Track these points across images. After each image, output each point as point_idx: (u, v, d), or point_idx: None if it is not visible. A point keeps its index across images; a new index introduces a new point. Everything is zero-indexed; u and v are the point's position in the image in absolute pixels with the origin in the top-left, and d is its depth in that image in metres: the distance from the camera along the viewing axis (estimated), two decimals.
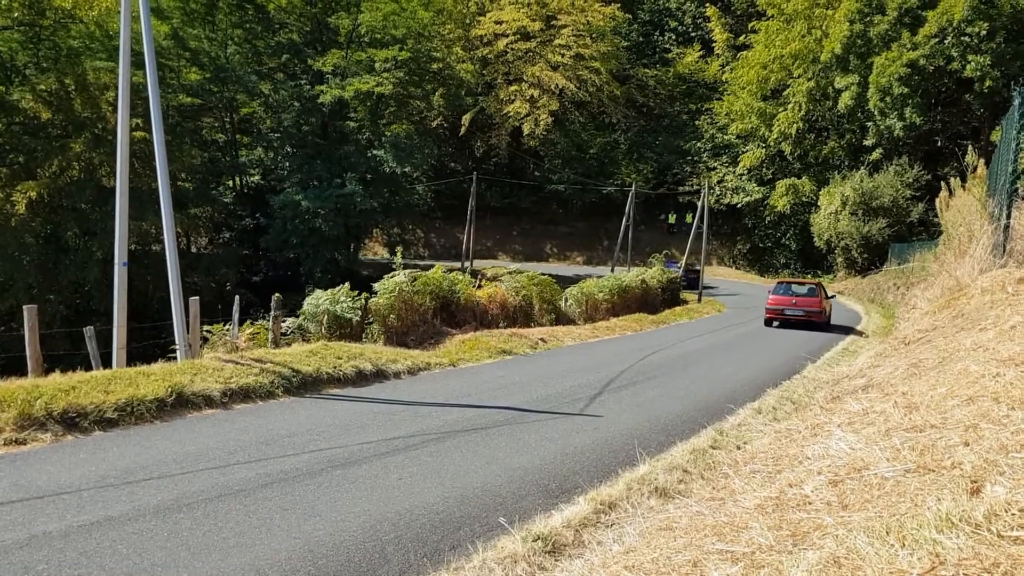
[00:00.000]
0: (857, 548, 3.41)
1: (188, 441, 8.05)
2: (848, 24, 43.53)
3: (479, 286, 21.35)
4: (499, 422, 9.64)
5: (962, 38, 39.01)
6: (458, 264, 47.02)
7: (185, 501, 6.22)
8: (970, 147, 21.64)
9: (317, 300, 15.65)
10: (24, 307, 10.89)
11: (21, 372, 10.44)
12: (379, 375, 12.62)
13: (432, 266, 19.43)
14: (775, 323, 24.61)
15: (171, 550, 5.28)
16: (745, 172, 56.11)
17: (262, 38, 44.31)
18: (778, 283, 27.30)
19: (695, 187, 55.18)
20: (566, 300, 24.56)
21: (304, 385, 11.12)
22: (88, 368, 11.13)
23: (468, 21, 58.92)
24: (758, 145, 54.18)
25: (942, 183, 20.52)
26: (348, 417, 9.62)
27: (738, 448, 8.31)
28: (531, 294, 21.96)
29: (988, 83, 38.56)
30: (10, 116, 31.20)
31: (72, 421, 8.18)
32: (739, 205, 56.62)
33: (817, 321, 23.96)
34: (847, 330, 24.02)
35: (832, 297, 26.82)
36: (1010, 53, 39.13)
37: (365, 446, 8.19)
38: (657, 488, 6.84)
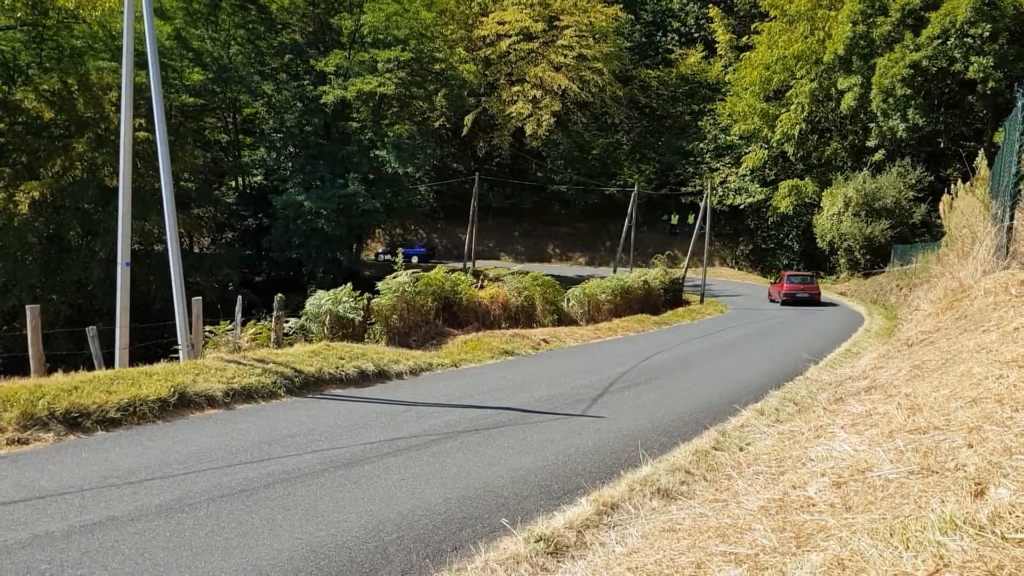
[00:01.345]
0: (861, 550, 3.40)
1: (191, 441, 8.06)
2: (851, 25, 43.44)
3: (481, 286, 21.36)
4: (501, 423, 9.64)
5: (965, 39, 38.92)
6: (460, 264, 47.02)
7: (188, 501, 6.23)
8: (973, 149, 21.61)
9: (319, 300, 15.66)
10: (27, 307, 10.90)
11: (24, 372, 10.45)
12: (381, 375, 12.63)
13: (434, 266, 19.43)
14: (788, 302, 34.95)
15: (174, 550, 5.29)
16: (748, 173, 56.02)
17: (265, 38, 44.31)
18: (788, 275, 37.83)
19: (697, 188, 55.11)
20: (568, 301, 24.55)
21: (306, 385, 11.13)
22: (91, 368, 11.14)
23: (471, 22, 58.87)
24: (761, 146, 54.08)
25: (945, 184, 20.52)
26: (350, 417, 9.62)
27: (741, 449, 8.30)
28: (533, 295, 21.96)
29: (991, 84, 38.49)
30: (13, 116, 31.21)
31: (75, 421, 8.19)
32: (742, 206, 56.53)
33: (815, 299, 35.14)
34: (835, 304, 35.03)
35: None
36: (1013, 55, 39.03)
37: (367, 446, 8.19)
38: (660, 489, 6.84)
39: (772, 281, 40.10)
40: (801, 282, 36.33)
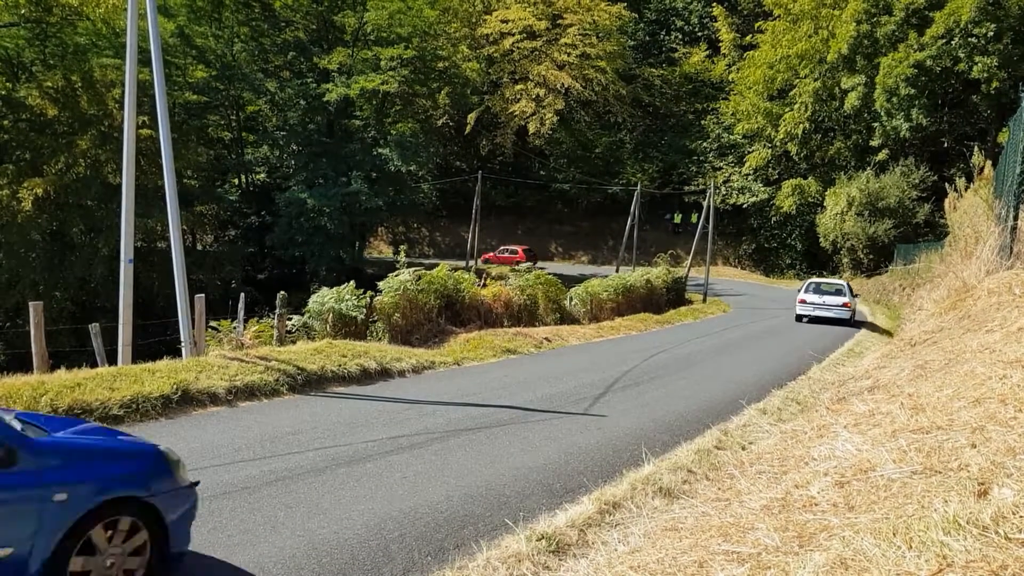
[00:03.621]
0: (864, 550, 3.40)
1: (193, 438, 8.06)
2: (855, 24, 43.38)
3: (484, 285, 21.36)
4: (503, 421, 9.63)
5: (969, 39, 38.86)
6: (463, 263, 47.02)
7: None
8: (977, 148, 21.58)
9: (322, 298, 15.66)
10: (30, 304, 10.91)
11: (27, 368, 10.46)
12: (384, 373, 12.64)
13: (437, 264, 19.43)
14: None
15: None
16: (751, 172, 55.91)
17: (268, 36, 44.32)
18: (502, 247, 50.58)
19: (701, 187, 54.96)
20: (571, 300, 24.53)
21: (309, 383, 11.13)
22: (93, 365, 11.16)
23: (474, 20, 58.81)
24: (764, 145, 54.00)
25: (948, 184, 20.49)
26: (353, 415, 9.63)
27: (743, 449, 8.30)
28: (536, 293, 21.95)
29: (995, 84, 38.44)
30: (17, 113, 31.25)
31: (77, 417, 8.19)
32: (745, 205, 56.41)
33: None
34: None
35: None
36: (1017, 54, 38.98)
37: (370, 444, 8.19)
38: (662, 488, 6.83)
39: (500, 253, 52.66)
40: (511, 254, 51.91)
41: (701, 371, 14.95)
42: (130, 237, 11.99)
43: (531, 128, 56.34)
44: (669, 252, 46.81)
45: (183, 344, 12.06)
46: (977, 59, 38.57)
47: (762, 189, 55.29)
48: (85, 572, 4.25)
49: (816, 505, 4.65)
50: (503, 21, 57.58)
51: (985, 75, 38.42)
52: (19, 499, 4.01)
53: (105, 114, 31.68)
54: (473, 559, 5.32)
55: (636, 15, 63.92)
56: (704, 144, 60.20)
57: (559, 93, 56.28)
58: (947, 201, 19.67)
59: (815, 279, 31.04)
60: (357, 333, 15.61)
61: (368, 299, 16.20)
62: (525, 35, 57.54)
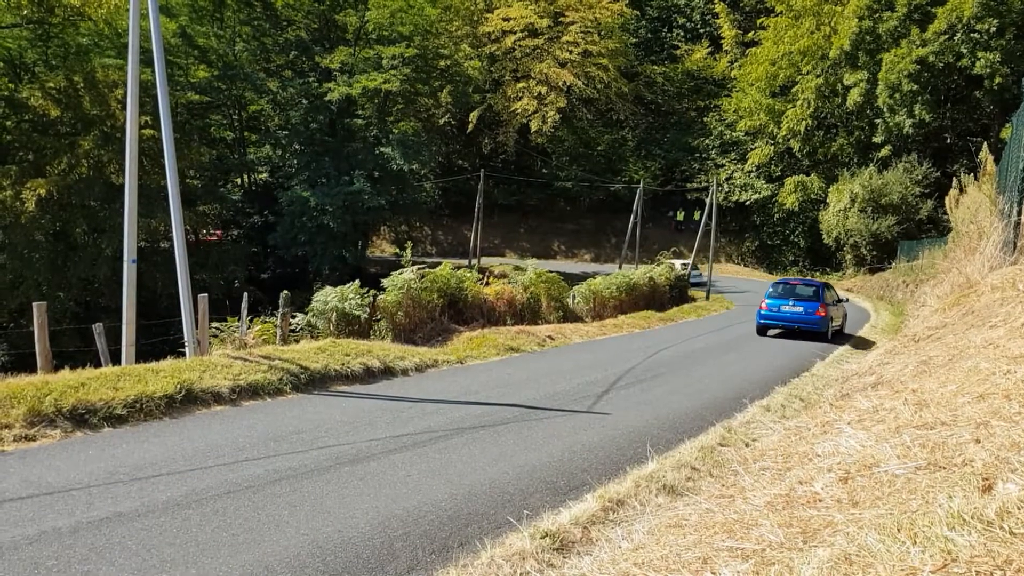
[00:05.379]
0: (868, 545, 3.39)
1: (197, 438, 8.07)
2: (857, 20, 43.36)
3: (486, 283, 21.34)
4: (507, 419, 9.63)
5: (971, 35, 38.84)
6: (466, 261, 47.03)
7: (194, 497, 6.24)
8: (981, 144, 21.55)
9: (326, 297, 15.67)
10: (34, 304, 10.92)
11: (31, 369, 10.48)
12: (387, 372, 12.64)
13: (440, 263, 19.42)
14: None
15: (180, 546, 5.30)
16: (753, 169, 55.90)
17: (270, 35, 44.35)
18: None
19: (703, 184, 54.98)
20: (574, 297, 24.52)
21: (312, 382, 11.14)
22: (97, 365, 11.17)
23: (476, 18, 58.83)
24: (767, 142, 53.99)
25: (952, 180, 20.46)
26: (356, 414, 9.63)
27: (747, 446, 8.29)
28: (539, 291, 21.94)
29: (998, 80, 38.41)
30: (19, 114, 31.29)
31: (81, 418, 8.21)
32: (747, 202, 56.38)
33: None
34: None
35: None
36: (1020, 50, 38.94)
37: (373, 443, 8.20)
38: (666, 485, 6.83)
39: None
40: None
41: (704, 368, 14.94)
42: (133, 237, 12.00)
43: (533, 126, 56.35)
44: (672, 249, 46.90)
45: (186, 344, 12.07)
46: (980, 55, 38.54)
47: (765, 186, 55.28)
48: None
49: (820, 501, 4.64)
50: (505, 19, 57.60)
51: (988, 71, 38.39)
52: (839, 308, 21.95)
53: (108, 114, 31.69)
54: (477, 557, 5.32)
55: (638, 12, 63.97)
56: (706, 141, 60.20)
57: (561, 91, 56.29)
58: (949, 197, 19.64)
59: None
60: (360, 332, 15.62)
61: (371, 298, 16.21)
62: (527, 33, 57.56)
